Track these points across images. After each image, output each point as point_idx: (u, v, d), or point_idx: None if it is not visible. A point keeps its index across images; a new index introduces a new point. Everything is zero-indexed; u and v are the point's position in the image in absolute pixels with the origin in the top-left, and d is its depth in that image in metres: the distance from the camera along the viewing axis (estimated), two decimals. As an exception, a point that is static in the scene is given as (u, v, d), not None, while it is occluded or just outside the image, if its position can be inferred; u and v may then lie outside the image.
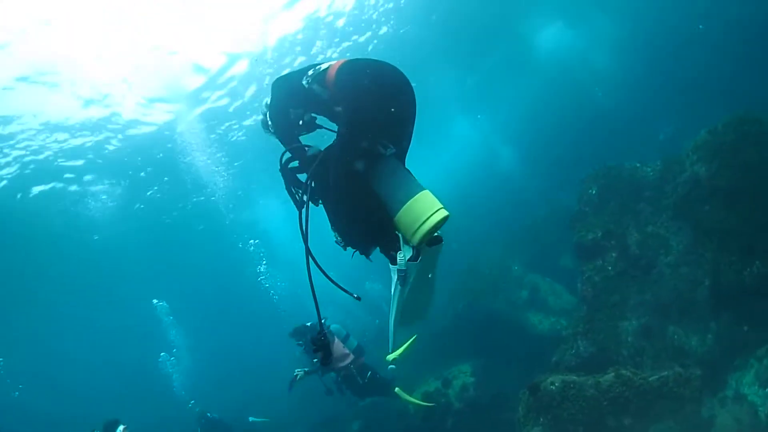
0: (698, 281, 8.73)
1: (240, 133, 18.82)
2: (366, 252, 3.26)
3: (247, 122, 18.20)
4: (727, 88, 17.01)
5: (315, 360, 9.77)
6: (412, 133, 3.18)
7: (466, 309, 16.21)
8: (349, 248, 3.32)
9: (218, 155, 19.09)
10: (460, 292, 16.98)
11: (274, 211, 27.28)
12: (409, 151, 3.26)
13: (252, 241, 26.35)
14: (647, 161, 11.37)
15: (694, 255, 8.98)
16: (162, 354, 27.16)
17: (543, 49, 22.77)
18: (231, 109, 17.26)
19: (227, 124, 17.99)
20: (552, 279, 16.12)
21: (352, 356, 10.04)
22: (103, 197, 18.83)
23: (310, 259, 3.02)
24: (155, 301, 28.13)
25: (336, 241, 3.29)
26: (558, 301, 15.33)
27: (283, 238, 29.04)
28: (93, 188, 18.14)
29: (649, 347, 8.77)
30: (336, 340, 9.99)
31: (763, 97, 13.56)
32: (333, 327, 10.23)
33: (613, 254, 10.20)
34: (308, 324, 10.22)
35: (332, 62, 3.18)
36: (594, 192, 11.62)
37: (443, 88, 21.72)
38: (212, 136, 18.04)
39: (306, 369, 9.93)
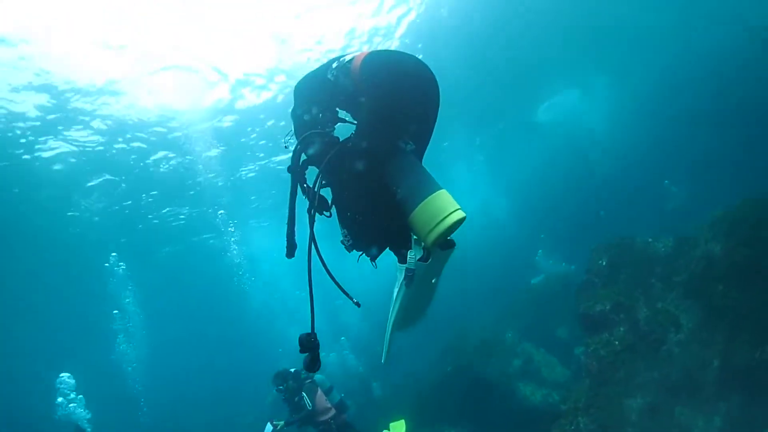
0: (708, 361, 8.74)
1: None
2: (372, 253, 3.19)
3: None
4: (734, 163, 17.64)
5: (295, 416, 9.50)
6: (431, 131, 3.18)
7: (456, 372, 15.94)
8: (354, 252, 3.25)
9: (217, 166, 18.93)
10: (450, 352, 16.74)
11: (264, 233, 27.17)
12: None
13: (221, 212, 25.25)
14: (659, 236, 11.60)
15: (705, 334, 9.01)
16: (115, 312, 25.93)
17: (552, 117, 23.49)
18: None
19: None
20: (546, 350, 15.96)
21: (333, 411, 9.69)
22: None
23: (313, 252, 2.98)
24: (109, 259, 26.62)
25: (342, 241, 3.21)
26: (551, 373, 15.15)
27: (269, 259, 29.02)
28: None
29: (655, 427, 8.64)
30: (319, 391, 9.68)
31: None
32: (317, 377, 9.91)
33: (621, 328, 10.18)
34: (292, 370, 9.94)
35: (357, 53, 3.18)
36: (604, 263, 11.76)
37: (451, 144, 22.16)
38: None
39: (283, 421, 9.54)
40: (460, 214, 2.70)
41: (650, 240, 11.58)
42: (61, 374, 12.30)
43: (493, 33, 15.47)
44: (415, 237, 2.86)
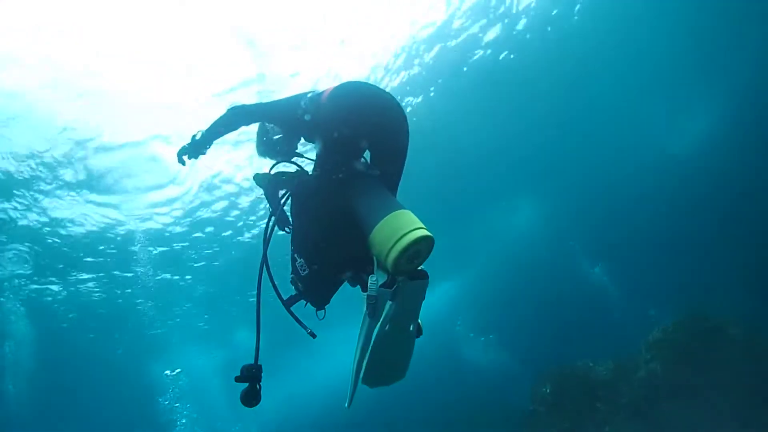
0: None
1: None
2: (321, 296, 3.10)
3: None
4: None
5: None
6: (401, 163, 3.17)
7: None
8: (300, 301, 3.11)
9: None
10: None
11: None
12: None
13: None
14: (598, 359, 11.96)
15: (657, 456, 9.10)
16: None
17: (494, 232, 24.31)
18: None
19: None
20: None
21: None
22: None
23: (264, 272, 2.91)
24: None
25: (292, 279, 3.12)
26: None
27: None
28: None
29: None
30: None
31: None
32: None
33: (572, 457, 10.10)
34: None
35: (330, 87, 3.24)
36: (548, 391, 11.87)
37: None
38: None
39: None
40: (422, 232, 2.48)
41: (591, 364, 11.93)
42: None
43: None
44: (377, 260, 2.68)
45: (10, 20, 8.89)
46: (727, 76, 15.35)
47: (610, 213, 21.49)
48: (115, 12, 9.37)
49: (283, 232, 3.27)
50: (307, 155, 3.52)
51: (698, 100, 16.55)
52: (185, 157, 3.49)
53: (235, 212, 15.61)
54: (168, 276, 18.54)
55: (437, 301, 29.82)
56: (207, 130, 3.43)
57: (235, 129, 3.49)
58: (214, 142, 3.51)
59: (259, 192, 3.59)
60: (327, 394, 32.51)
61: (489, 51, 12.85)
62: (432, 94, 13.49)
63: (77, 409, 30.25)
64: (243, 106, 3.47)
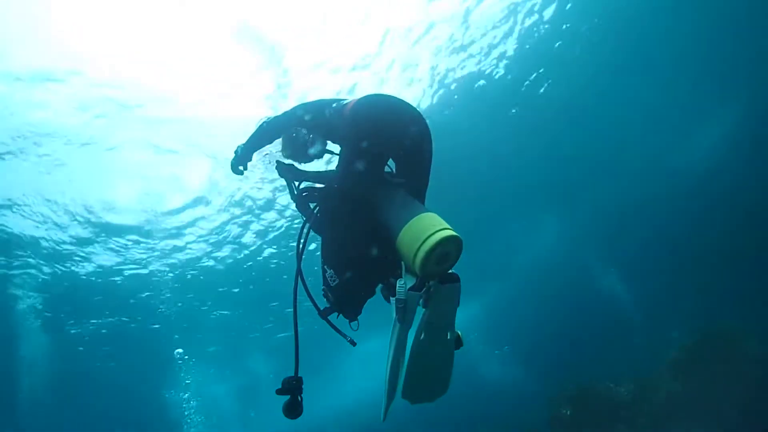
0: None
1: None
2: (352, 306, 3.13)
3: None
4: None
5: None
6: (426, 172, 3.21)
7: None
8: (332, 314, 3.14)
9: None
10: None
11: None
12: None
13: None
14: (619, 379, 11.92)
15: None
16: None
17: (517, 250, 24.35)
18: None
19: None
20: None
21: None
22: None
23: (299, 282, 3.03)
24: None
25: (324, 292, 3.15)
26: None
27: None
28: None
29: None
30: None
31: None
32: None
33: (593, 477, 10.14)
34: None
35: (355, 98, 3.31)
36: (568, 413, 11.85)
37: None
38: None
39: None
40: (449, 233, 2.47)
41: (612, 385, 11.91)
42: None
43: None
44: (405, 265, 2.69)
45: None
46: (742, 84, 15.33)
47: (631, 230, 21.52)
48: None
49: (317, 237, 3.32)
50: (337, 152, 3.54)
51: (715, 110, 16.45)
52: (240, 168, 3.74)
53: (253, 237, 15.78)
54: (187, 300, 18.91)
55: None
56: (245, 145, 3.67)
57: (270, 142, 3.72)
58: (254, 153, 3.74)
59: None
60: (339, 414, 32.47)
61: (510, 68, 12.86)
62: (455, 110, 13.40)
63: (88, 410, 30.73)
64: (275, 118, 3.67)
